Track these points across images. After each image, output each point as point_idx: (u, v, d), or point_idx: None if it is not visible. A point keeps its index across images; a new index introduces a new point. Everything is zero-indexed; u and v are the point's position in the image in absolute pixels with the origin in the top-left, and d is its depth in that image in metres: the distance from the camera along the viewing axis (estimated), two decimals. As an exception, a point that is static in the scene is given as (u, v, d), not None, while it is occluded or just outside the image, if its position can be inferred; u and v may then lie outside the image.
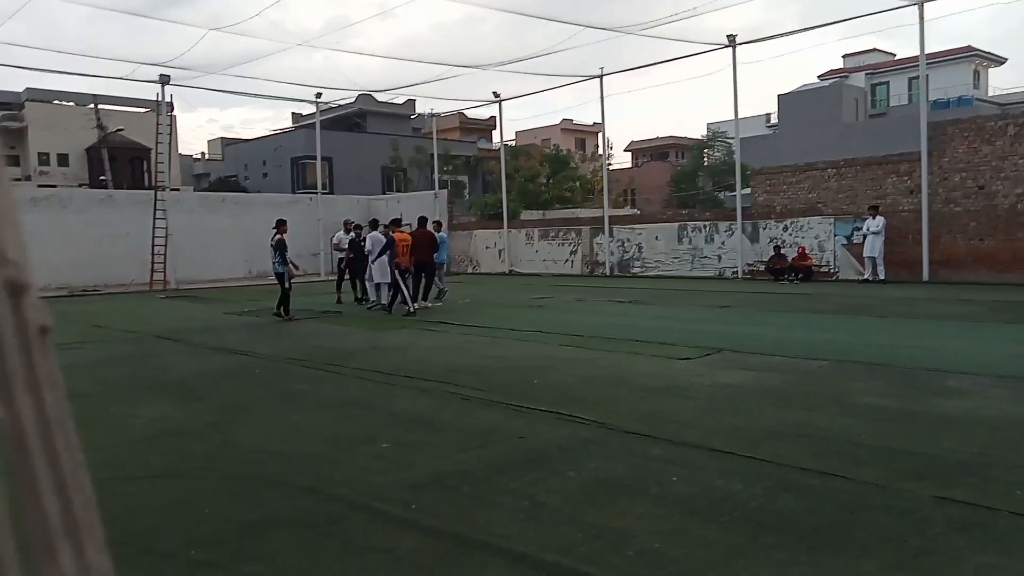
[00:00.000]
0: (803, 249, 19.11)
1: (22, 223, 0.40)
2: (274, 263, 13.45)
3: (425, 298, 14.52)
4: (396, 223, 14.60)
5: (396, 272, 13.64)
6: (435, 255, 14.77)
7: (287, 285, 13.24)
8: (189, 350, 10.00)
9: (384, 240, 13.96)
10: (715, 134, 46.34)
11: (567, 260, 25.45)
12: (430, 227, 14.93)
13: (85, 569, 0.36)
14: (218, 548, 3.49)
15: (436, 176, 31.27)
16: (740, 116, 20.97)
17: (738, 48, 20.09)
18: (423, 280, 14.43)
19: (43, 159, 41.31)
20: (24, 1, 17.85)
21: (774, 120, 47.60)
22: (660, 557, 3.27)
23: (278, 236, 13.33)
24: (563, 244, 25.63)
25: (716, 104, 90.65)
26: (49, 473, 0.36)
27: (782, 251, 19.41)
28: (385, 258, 13.84)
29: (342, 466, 4.70)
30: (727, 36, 20.01)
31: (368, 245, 14.62)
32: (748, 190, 22.37)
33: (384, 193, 37.41)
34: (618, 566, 3.20)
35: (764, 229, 20.40)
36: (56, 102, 42.54)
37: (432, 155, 32.20)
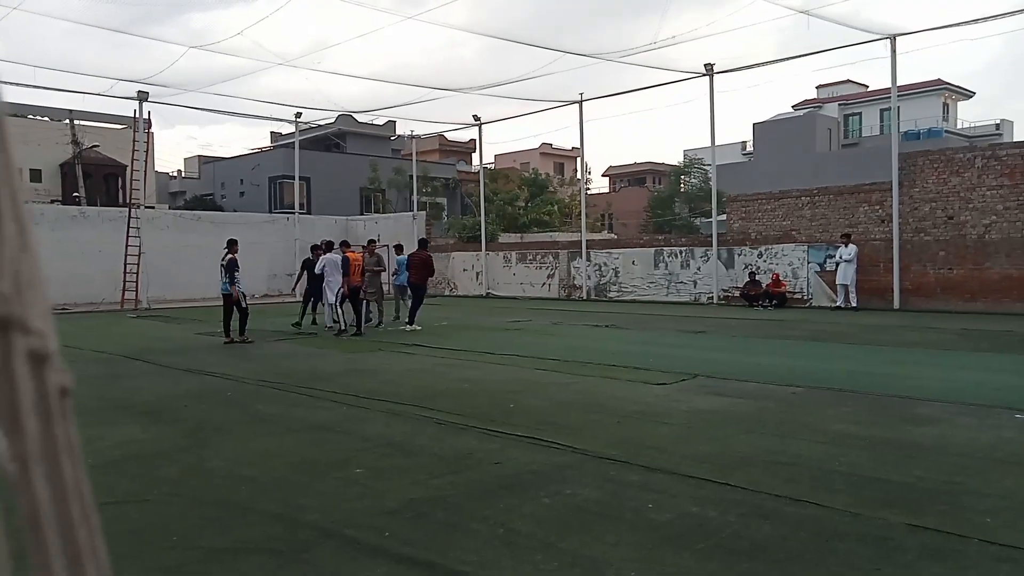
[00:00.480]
0: (777, 276, 19.34)
1: (47, 289, 0.39)
2: (223, 282, 12.87)
3: (411, 320, 14.51)
4: (345, 244, 14.99)
5: (341, 293, 14.00)
6: (404, 278, 15.49)
7: (244, 305, 12.84)
8: (159, 371, 9.84)
9: (338, 261, 14.15)
10: (692, 160, 46.92)
11: (544, 283, 25.51)
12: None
13: None
14: (184, 576, 3.41)
15: (415, 198, 31.29)
16: (716, 143, 21.29)
17: (715, 77, 20.44)
18: (412, 301, 14.76)
19: (15, 174, 40.70)
20: (3, 13, 17.68)
21: (750, 148, 48.42)
22: (634, 586, 3.25)
23: (230, 256, 12.87)
24: (541, 267, 25.70)
25: (693, 131, 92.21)
26: (62, 548, 0.35)
27: (756, 277, 19.63)
28: (336, 279, 14.03)
29: (313, 492, 4.63)
30: (705, 65, 20.36)
31: (321, 266, 14.53)
32: (724, 216, 22.64)
33: (362, 214, 37.32)
34: (592, 595, 3.17)
35: (739, 255, 20.62)
36: (31, 116, 42.06)
37: (411, 177, 32.24)
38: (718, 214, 21.98)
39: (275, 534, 3.93)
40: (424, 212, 30.55)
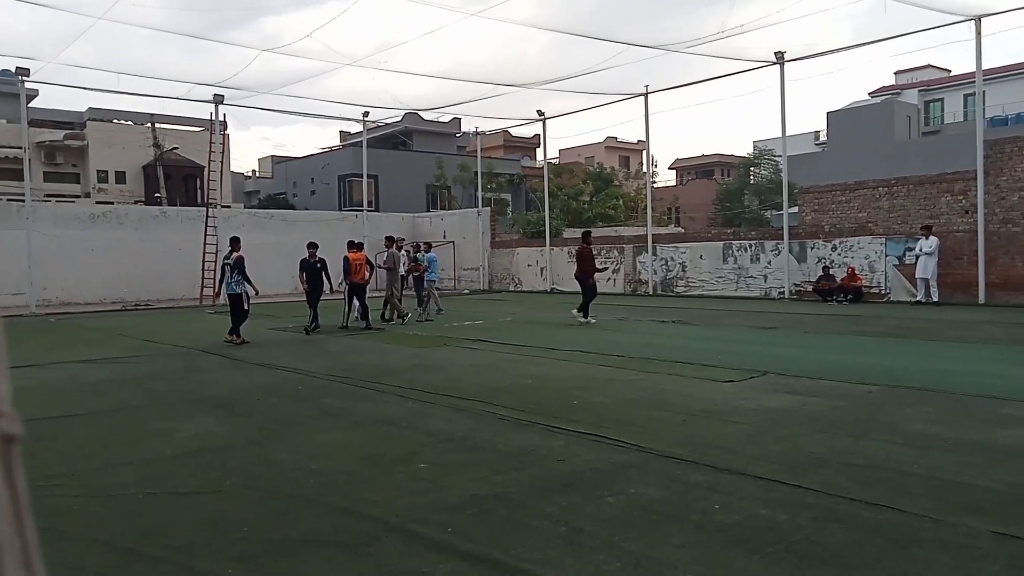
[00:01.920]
0: (852, 269, 18.66)
1: (1, 328, 0.38)
2: (231, 283, 12.69)
3: (584, 313, 14.72)
4: (350, 244, 15.46)
5: (347, 289, 14.86)
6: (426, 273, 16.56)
7: (246, 307, 12.68)
8: (234, 365, 10.16)
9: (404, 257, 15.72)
10: (762, 152, 45.75)
11: (609, 279, 25.28)
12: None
13: None
14: (254, 567, 3.50)
15: (479, 194, 31.45)
16: (788, 134, 20.68)
17: (786, 65, 19.85)
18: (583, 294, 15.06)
19: (102, 176, 42.76)
20: (89, 23, 18.55)
21: (823, 138, 46.81)
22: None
23: (236, 255, 12.69)
24: (606, 262, 25.48)
25: (763, 121, 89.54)
26: None
27: (830, 271, 18.98)
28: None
29: (378, 486, 4.69)
30: (775, 53, 19.78)
31: (383, 262, 15.82)
32: (795, 209, 21.98)
33: (428, 211, 37.76)
34: (656, 598, 3.11)
35: (812, 249, 19.98)
36: (116, 121, 44.08)
37: (476, 173, 32.44)
38: (790, 206, 21.35)
39: (341, 527, 4.00)
40: (489, 208, 30.71)
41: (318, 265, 14.29)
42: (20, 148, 23.14)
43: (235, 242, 13.07)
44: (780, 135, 20.85)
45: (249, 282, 12.73)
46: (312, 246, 14.47)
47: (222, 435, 6.18)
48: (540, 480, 4.74)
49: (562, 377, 8.53)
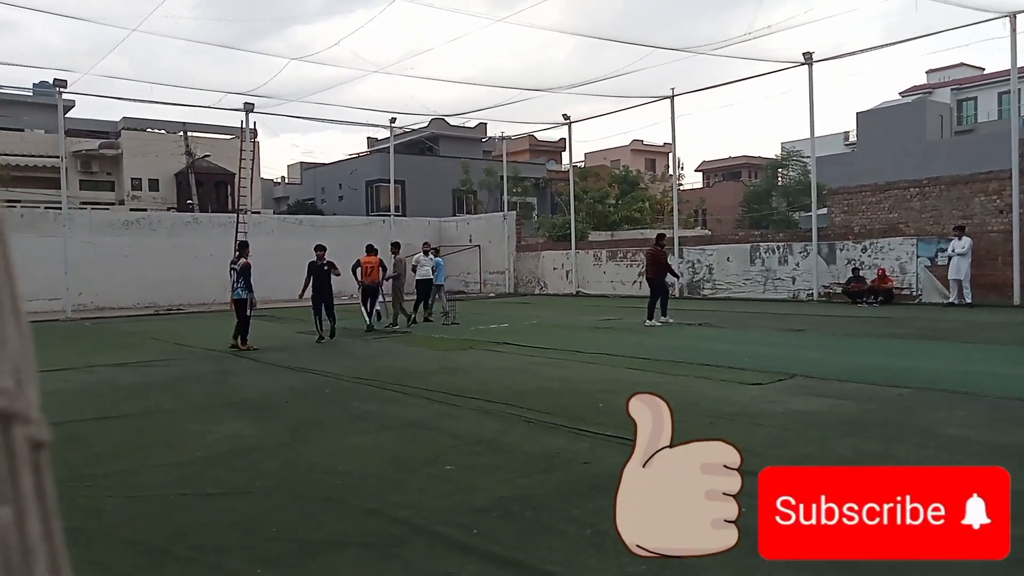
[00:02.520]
0: (883, 271, 18.38)
1: (24, 345, 0.40)
2: (236, 288, 12.47)
3: (664, 313, 14.82)
4: (369, 248, 15.65)
5: (361, 292, 15.28)
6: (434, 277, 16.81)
7: (248, 313, 12.42)
8: (264, 368, 10.30)
9: (434, 262, 16.40)
10: (790, 153, 45.25)
11: (635, 281, 25.16)
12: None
13: None
14: (283, 568, 3.56)
15: (505, 198, 31.52)
16: (816, 134, 20.45)
17: (815, 66, 19.64)
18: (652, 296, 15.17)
19: (136, 184, 43.56)
20: (123, 35, 18.95)
21: (852, 138, 46.22)
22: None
23: (243, 260, 12.48)
24: (631, 265, 25.39)
25: (791, 122, 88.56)
26: None
27: (860, 273, 18.72)
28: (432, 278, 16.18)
29: (405, 488, 4.73)
30: (803, 54, 19.59)
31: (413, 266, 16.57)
32: (824, 210, 21.73)
33: (454, 215, 37.92)
34: (681, 600, 3.10)
35: (841, 250, 19.73)
36: (149, 130, 44.92)
37: (502, 177, 32.52)
38: (819, 208, 21.10)
39: (369, 529, 4.04)
40: (515, 212, 30.77)
41: (325, 267, 13.74)
42: (58, 157, 23.71)
43: (243, 247, 12.93)
44: (808, 136, 20.63)
45: (251, 289, 12.50)
46: (320, 248, 14.00)
47: (252, 437, 6.27)
48: (566, 483, 4.75)
49: (588, 380, 8.53)
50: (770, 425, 6.10)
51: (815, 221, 20.31)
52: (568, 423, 6.28)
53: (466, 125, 46.47)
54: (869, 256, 19.05)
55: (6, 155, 38.26)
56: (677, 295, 23.36)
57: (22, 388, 0.38)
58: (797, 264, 20.67)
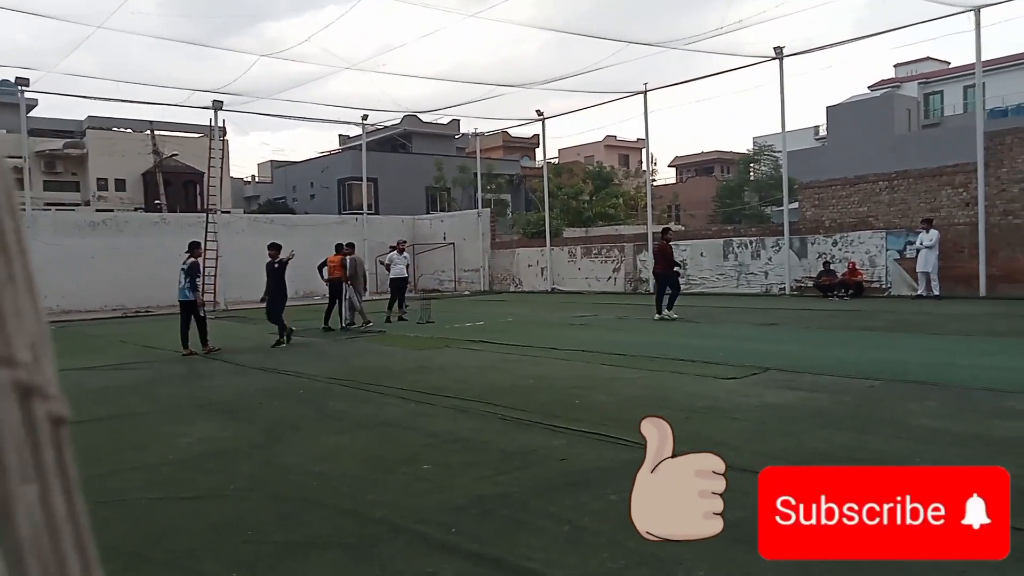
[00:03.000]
0: (853, 264, 18.65)
1: (42, 311, 0.39)
2: (182, 288, 11.84)
3: (670, 307, 14.94)
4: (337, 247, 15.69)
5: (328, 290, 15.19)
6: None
7: (202, 314, 11.97)
8: (236, 370, 10.18)
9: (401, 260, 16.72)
10: (761, 148, 45.78)
11: (610, 277, 25.30)
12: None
13: None
14: (260, 570, 3.51)
15: (479, 195, 31.47)
16: (787, 129, 20.69)
17: (786, 60, 19.85)
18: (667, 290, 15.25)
19: (102, 184, 42.81)
20: (88, 32, 18.59)
21: (823, 132, 46.83)
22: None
23: (191, 259, 11.96)
24: (606, 261, 25.50)
25: (763, 117, 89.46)
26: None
27: (831, 267, 18.98)
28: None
29: (382, 487, 4.70)
30: (774, 48, 19.79)
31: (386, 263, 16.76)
32: (796, 204, 21.98)
33: (428, 212, 37.79)
34: (660, 595, 3.11)
35: (812, 244, 19.98)
36: (115, 129, 44.15)
37: (475, 174, 32.46)
38: (790, 202, 21.35)
39: (346, 529, 4.01)
40: (489, 209, 30.73)
41: (276, 266, 12.94)
42: (20, 158, 23.21)
43: (193, 247, 12.30)
44: (780, 131, 20.86)
45: (196, 290, 11.88)
46: (273, 247, 13.14)
47: (226, 439, 6.19)
48: (543, 480, 4.75)
49: (564, 377, 8.54)
50: (745, 419, 6.15)
51: (787, 215, 20.55)
52: (544, 420, 6.28)
53: (439, 122, 46.38)
54: (840, 250, 19.31)
55: (-34, 155, 37.44)
56: (652, 291, 23.52)
57: (40, 363, 0.36)
58: (769, 258, 20.89)
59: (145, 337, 14.76)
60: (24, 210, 21.23)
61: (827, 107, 42.43)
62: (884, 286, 18.56)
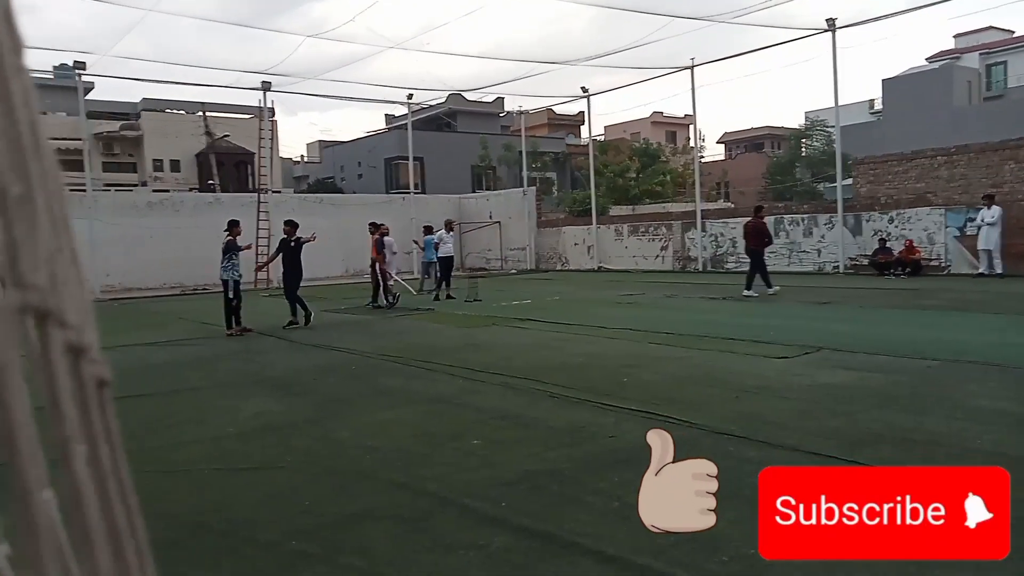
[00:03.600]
0: (911, 242, 18.11)
1: (87, 285, 0.42)
2: (222, 267, 11.74)
3: (748, 286, 15.02)
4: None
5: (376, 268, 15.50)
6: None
7: (230, 295, 11.60)
8: (290, 346, 10.42)
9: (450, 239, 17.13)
10: (813, 122, 44.55)
11: (658, 256, 25.06)
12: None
13: None
14: (316, 540, 3.62)
15: (525, 173, 31.38)
16: (841, 103, 20.09)
17: (839, 32, 19.24)
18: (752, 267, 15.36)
19: (157, 165, 43.93)
20: (140, 16, 19.00)
21: (878, 106, 45.34)
22: (756, 563, 3.17)
23: (228, 238, 11.78)
24: (653, 239, 25.25)
25: (815, 91, 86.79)
26: (102, 524, 0.38)
27: (887, 244, 18.46)
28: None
29: (433, 462, 4.78)
30: (826, 20, 19.20)
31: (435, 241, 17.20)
32: (849, 181, 21.41)
33: (473, 191, 37.84)
34: (711, 571, 3.13)
35: (867, 221, 19.44)
36: (168, 111, 45.18)
37: (520, 152, 32.35)
38: (844, 178, 20.78)
39: (398, 502, 4.10)
40: (534, 187, 30.62)
41: (292, 244, 12.65)
42: (80, 140, 23.93)
43: (231, 225, 11.99)
44: (833, 105, 20.27)
45: (229, 269, 11.68)
46: (288, 224, 12.83)
47: (281, 414, 6.36)
48: (592, 456, 4.78)
49: (612, 355, 8.53)
50: (796, 398, 6.07)
51: (840, 192, 20.02)
52: (593, 398, 6.30)
53: (484, 100, 46.25)
54: (896, 227, 18.76)
55: (30, 138, 38.68)
56: (700, 269, 23.24)
57: (57, 289, 0.39)
58: (822, 236, 20.41)
59: (202, 314, 15.18)
60: (85, 191, 21.95)
61: (883, 80, 41.01)
62: (943, 264, 17.99)
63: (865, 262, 19.03)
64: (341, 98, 39.06)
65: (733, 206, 33.17)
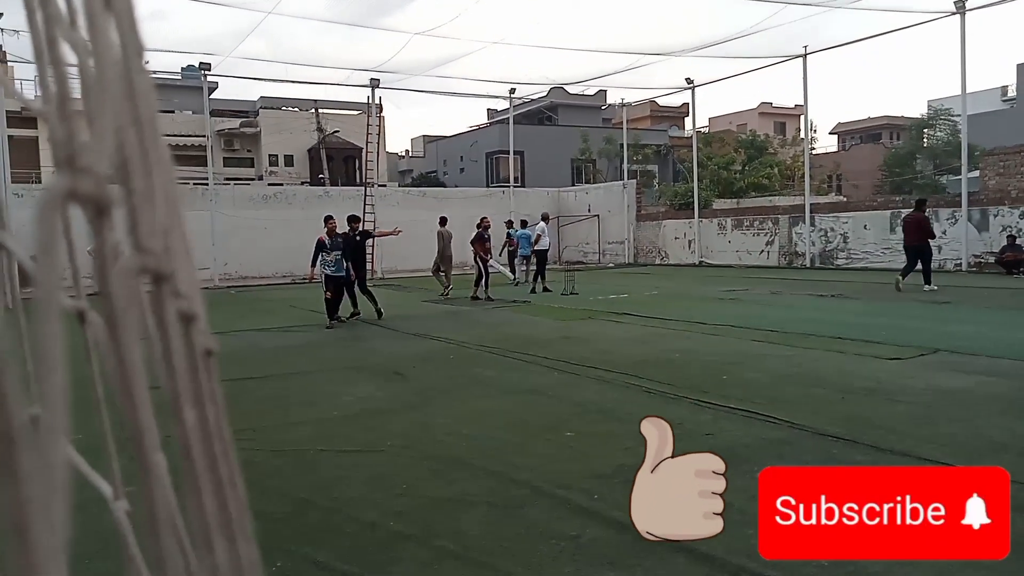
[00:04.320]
0: (1045, 239, 16.75)
1: (194, 260, 0.47)
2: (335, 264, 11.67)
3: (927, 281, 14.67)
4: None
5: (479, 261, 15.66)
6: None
7: (327, 290, 11.52)
8: (392, 335, 10.75)
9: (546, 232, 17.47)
10: (937, 112, 41.80)
11: (762, 251, 24.24)
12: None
13: (236, 558, 0.43)
14: (413, 521, 3.75)
15: (625, 166, 31.01)
16: (970, 90, 18.82)
17: (968, 15, 17.98)
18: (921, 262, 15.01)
19: (272, 160, 46.12)
20: (261, 18, 20.01)
21: (1012, 93, 42.07)
22: (858, 570, 3.05)
23: (322, 235, 11.74)
24: (758, 234, 24.44)
25: (940, 79, 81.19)
26: (209, 476, 0.43)
27: (1017, 241, 17.14)
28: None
29: (527, 452, 4.84)
30: (954, 2, 17.98)
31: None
32: (976, 173, 19.99)
33: (573, 185, 37.73)
34: (808, 574, 3.03)
35: (995, 216, 18.12)
36: (284, 108, 47.36)
37: (622, 145, 32.00)
38: (970, 170, 19.44)
39: (492, 489, 4.18)
40: (635, 180, 30.23)
41: (357, 238, 12.38)
42: (204, 137, 25.46)
43: (326, 220, 11.98)
44: (960, 92, 18.98)
45: (315, 264, 11.86)
46: (352, 219, 12.50)
47: (382, 399, 6.59)
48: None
49: (711, 352, 8.35)
50: (910, 402, 5.76)
51: (965, 185, 18.74)
52: (690, 395, 6.20)
53: (585, 93, 45.98)
54: (1028, 223, 17.38)
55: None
56: (808, 265, 22.32)
57: (195, 299, 0.44)
58: (944, 232, 19.15)
59: (311, 303, 15.86)
60: (207, 184, 23.35)
61: (1018, 65, 38.01)
62: (1082, 263, 16.54)
63: (991, 260, 17.75)
64: (445, 93, 39.83)
65: (845, 199, 31.62)
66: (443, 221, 17.08)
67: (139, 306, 0.42)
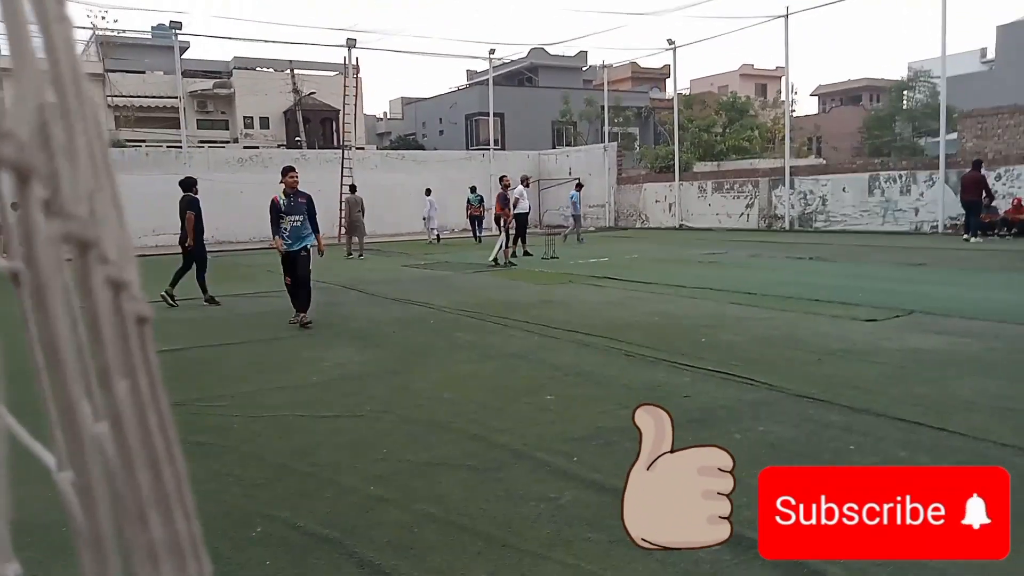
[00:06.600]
0: (1019, 200, 16.96)
1: (127, 224, 0.44)
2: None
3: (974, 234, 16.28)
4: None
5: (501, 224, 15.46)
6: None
7: (284, 273, 9.19)
8: (370, 299, 10.70)
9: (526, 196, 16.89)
10: (917, 73, 41.82)
11: (742, 214, 24.34)
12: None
13: (173, 534, 0.41)
14: (393, 486, 3.76)
15: (606, 129, 30.84)
16: (949, 52, 18.79)
17: (948, -26, 17.89)
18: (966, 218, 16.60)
19: (248, 122, 45.27)
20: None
21: (991, 55, 42.16)
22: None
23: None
24: (738, 197, 24.51)
25: (920, 40, 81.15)
26: (142, 450, 0.41)
27: (993, 203, 17.33)
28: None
29: (507, 415, 4.86)
30: (935, -39, 17.86)
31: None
32: (954, 135, 20.10)
33: (554, 147, 37.49)
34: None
35: (972, 179, 18.24)
36: (259, 69, 46.36)
37: (602, 107, 31.77)
38: (948, 132, 19.54)
39: (472, 452, 4.19)
40: (616, 143, 30.09)
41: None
42: (176, 98, 24.91)
43: (285, 172, 10.29)
44: (940, 54, 18.97)
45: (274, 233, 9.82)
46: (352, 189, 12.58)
47: (361, 364, 6.57)
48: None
49: (690, 315, 8.39)
50: (883, 363, 5.84)
51: (943, 147, 18.86)
52: (669, 357, 6.24)
53: (566, 54, 45.50)
54: (1004, 185, 17.57)
55: (130, 97, 40.47)
56: (787, 228, 22.45)
57: (127, 265, 0.41)
58: (921, 194, 19.34)
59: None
60: (180, 147, 22.92)
61: (997, 26, 38.04)
62: (1055, 225, 16.78)
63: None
64: (424, 54, 39.26)
65: (825, 162, 31.73)
66: (352, 188, 17.64)
67: (63, 274, 0.39)
